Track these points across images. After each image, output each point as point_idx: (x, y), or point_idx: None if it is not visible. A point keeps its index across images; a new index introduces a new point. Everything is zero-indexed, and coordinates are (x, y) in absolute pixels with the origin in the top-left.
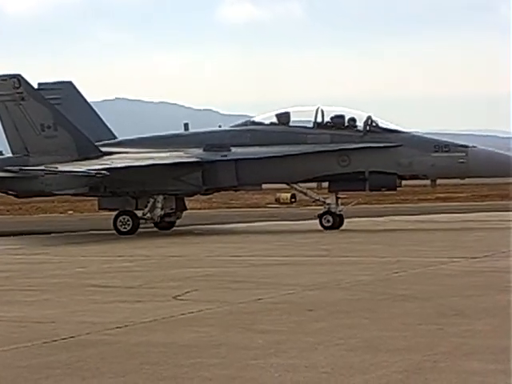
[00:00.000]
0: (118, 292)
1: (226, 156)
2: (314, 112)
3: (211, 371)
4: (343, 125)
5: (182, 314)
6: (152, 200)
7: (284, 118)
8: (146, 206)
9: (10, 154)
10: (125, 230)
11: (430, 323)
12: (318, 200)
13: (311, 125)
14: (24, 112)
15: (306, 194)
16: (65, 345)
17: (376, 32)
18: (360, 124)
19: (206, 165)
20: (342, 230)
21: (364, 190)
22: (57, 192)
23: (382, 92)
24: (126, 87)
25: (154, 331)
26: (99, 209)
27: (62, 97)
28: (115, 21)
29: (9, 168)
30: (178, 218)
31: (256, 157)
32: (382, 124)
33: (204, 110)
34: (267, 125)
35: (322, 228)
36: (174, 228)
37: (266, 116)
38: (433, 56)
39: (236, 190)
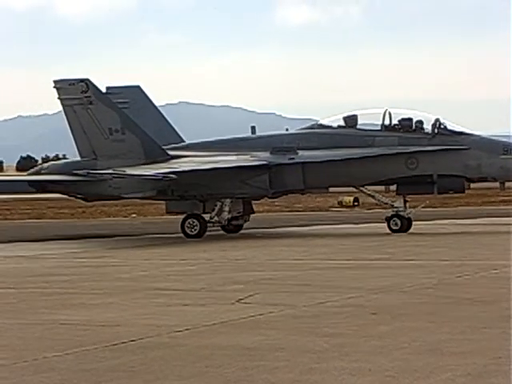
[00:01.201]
0: (180, 295)
1: (293, 159)
2: (382, 115)
3: (275, 374)
4: (411, 127)
5: (245, 317)
6: (219, 203)
7: (351, 120)
8: (213, 210)
9: (78, 158)
10: (192, 233)
11: (494, 327)
12: (386, 203)
13: (379, 127)
14: (92, 116)
15: (373, 197)
16: (128, 348)
17: (438, 34)
18: (428, 126)
19: (273, 168)
20: (405, 234)
21: (432, 193)
22: (125, 196)
23: (444, 94)
24: (188, 91)
25: (217, 334)
26: (167, 212)
27: (130, 101)
28: (168, 23)
29: (77, 171)
30: (245, 222)
31: (323, 160)
32: (450, 126)
33: (267, 113)
34: (334, 128)
35: (389, 231)
36: (241, 231)
37: (333, 119)
38: (495, 57)
39: (303, 194)
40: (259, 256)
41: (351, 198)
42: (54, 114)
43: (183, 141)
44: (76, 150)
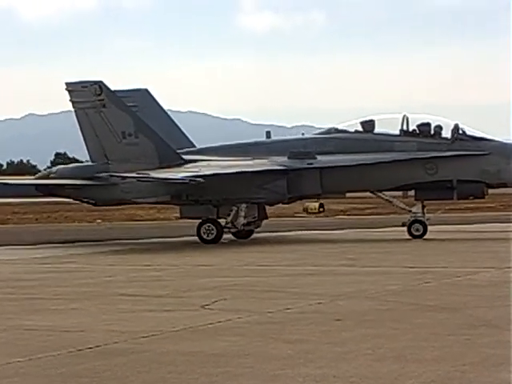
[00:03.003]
0: (145, 301)
1: (311, 164)
2: (400, 120)
3: (239, 381)
4: (429, 132)
5: (210, 324)
6: (235, 208)
7: (369, 125)
8: (228, 215)
9: (88, 162)
10: (209, 238)
11: (458, 334)
12: (404, 209)
13: (397, 132)
14: (105, 119)
15: (391, 202)
16: (93, 353)
17: (404, 39)
18: (447, 132)
19: (290, 173)
20: (371, 240)
21: (452, 199)
22: (137, 200)
23: (415, 99)
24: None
25: (181, 340)
26: (181, 217)
27: (138, 104)
28: (131, 28)
29: (99, 175)
30: (257, 227)
31: (342, 165)
32: (470, 132)
33: (233, 119)
34: (351, 132)
35: (410, 237)
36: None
37: (350, 124)
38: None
39: (319, 199)
40: (225, 262)
41: (316, 205)
42: (21, 117)
43: (193, 145)
44: (87, 153)
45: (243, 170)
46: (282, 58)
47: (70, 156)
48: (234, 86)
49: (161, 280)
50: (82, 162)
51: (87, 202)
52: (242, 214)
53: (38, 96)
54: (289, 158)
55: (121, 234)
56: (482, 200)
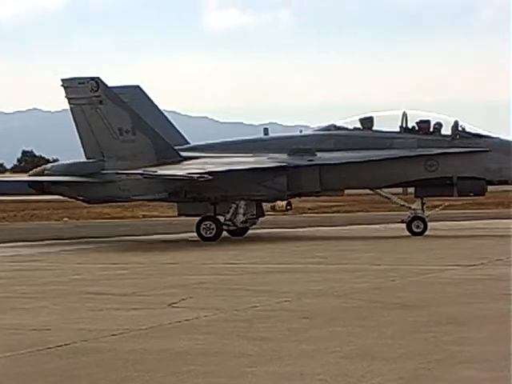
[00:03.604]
0: (113, 299)
1: (312, 161)
2: (400, 116)
3: (206, 379)
4: (429, 129)
5: (178, 322)
6: (234, 206)
7: (368, 122)
8: (227, 212)
9: (81, 159)
10: (208, 235)
11: (425, 331)
12: (403, 205)
13: (397, 129)
14: (101, 116)
15: (389, 199)
16: (60, 352)
17: (371, 36)
18: (447, 129)
19: (290, 170)
20: (339, 238)
21: (452, 196)
22: (134, 197)
23: (381, 98)
24: None
25: (149, 338)
26: (179, 215)
27: (130, 101)
28: (97, 26)
29: (106, 172)
30: (252, 224)
31: (343, 162)
32: (469, 129)
33: (200, 117)
34: (350, 129)
35: (409, 233)
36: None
37: (349, 120)
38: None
39: (318, 196)
40: (192, 260)
41: (284, 203)
42: None
43: (187, 142)
44: (82, 150)
45: (252, 166)
46: (249, 56)
47: (37, 154)
48: (201, 85)
49: (128, 278)
50: (48, 160)
51: (81, 200)
52: (241, 211)
53: (4, 94)
54: (289, 154)
55: (88, 233)
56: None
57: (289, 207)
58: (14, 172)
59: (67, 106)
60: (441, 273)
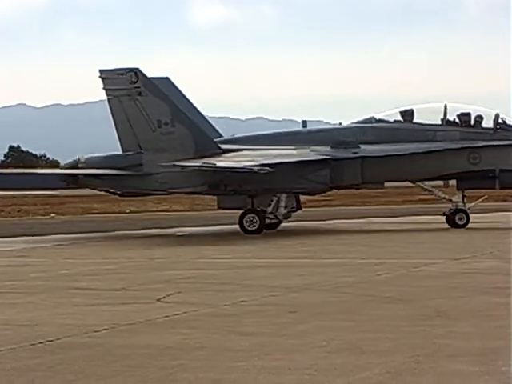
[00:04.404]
0: (101, 294)
1: (356, 153)
2: (442, 109)
3: (195, 373)
4: (470, 122)
5: (166, 317)
6: (275, 198)
7: (408, 115)
8: (269, 205)
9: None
10: (252, 228)
11: (413, 325)
12: (444, 198)
13: (439, 122)
14: (140, 107)
15: (431, 191)
16: (48, 347)
17: (357, 32)
18: (489, 121)
19: (333, 162)
20: (328, 232)
21: (494, 188)
22: (172, 190)
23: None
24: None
25: (137, 333)
26: (218, 208)
27: None
28: (81, 23)
29: (163, 163)
30: (287, 218)
31: (387, 154)
32: (510, 121)
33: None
34: (391, 122)
35: (449, 226)
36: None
37: (390, 113)
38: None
39: (357, 188)
40: (180, 255)
41: None
42: None
43: (220, 135)
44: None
45: (301, 159)
46: (235, 51)
47: (24, 149)
48: (188, 79)
49: (116, 273)
50: (36, 155)
51: (113, 193)
52: (283, 204)
53: None
54: (332, 147)
55: (76, 228)
56: None
57: None
58: (1, 167)
59: (54, 102)
60: (428, 267)
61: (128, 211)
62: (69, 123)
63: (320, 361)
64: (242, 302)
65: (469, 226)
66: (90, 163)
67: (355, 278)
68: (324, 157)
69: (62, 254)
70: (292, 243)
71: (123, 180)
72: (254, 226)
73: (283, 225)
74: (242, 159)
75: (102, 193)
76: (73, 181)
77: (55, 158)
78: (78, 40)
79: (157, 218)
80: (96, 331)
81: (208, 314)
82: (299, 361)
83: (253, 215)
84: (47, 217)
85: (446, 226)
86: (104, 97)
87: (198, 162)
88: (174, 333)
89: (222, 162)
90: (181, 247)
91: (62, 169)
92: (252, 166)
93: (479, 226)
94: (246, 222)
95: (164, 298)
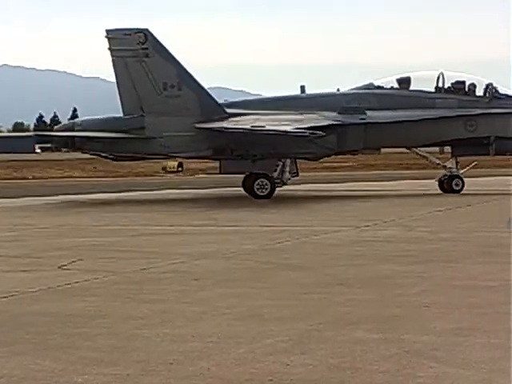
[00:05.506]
0: (2, 261)
1: (363, 119)
2: (438, 77)
3: (97, 341)
4: (464, 90)
5: (68, 284)
6: (280, 163)
7: (405, 82)
8: (274, 170)
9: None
10: (263, 193)
11: (314, 292)
12: (439, 164)
13: (435, 90)
14: (146, 69)
15: (426, 158)
16: None
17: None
18: (483, 90)
19: (339, 128)
20: (231, 198)
21: (488, 155)
22: (174, 154)
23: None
24: (7, 53)
25: (39, 301)
26: (222, 173)
27: None
28: None
29: (212, 126)
30: (284, 184)
31: (394, 120)
32: (502, 90)
33: (92, 77)
34: (387, 89)
35: (442, 191)
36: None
37: (386, 80)
38: None
39: (354, 154)
40: (83, 222)
41: (175, 164)
42: None
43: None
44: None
45: (320, 124)
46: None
47: None
48: (92, 44)
49: (18, 240)
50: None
51: (105, 157)
52: (287, 169)
53: None
54: (339, 112)
55: None
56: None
57: (180, 168)
58: None
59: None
60: (330, 234)
61: (31, 177)
62: None
63: (223, 328)
64: (144, 269)
65: (366, 194)
66: (87, 126)
67: (257, 245)
68: (339, 122)
69: None
70: (194, 210)
71: (124, 143)
72: (266, 191)
73: (191, 191)
74: (249, 123)
75: None
76: (69, 144)
77: None
78: None
79: (63, 185)
80: None
81: (110, 282)
82: (202, 328)
83: (264, 180)
84: None
85: (347, 193)
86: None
87: (238, 125)
88: (76, 300)
89: (274, 126)
90: (81, 214)
91: (56, 131)
92: (302, 129)
93: (374, 194)
94: (257, 186)
95: (66, 265)
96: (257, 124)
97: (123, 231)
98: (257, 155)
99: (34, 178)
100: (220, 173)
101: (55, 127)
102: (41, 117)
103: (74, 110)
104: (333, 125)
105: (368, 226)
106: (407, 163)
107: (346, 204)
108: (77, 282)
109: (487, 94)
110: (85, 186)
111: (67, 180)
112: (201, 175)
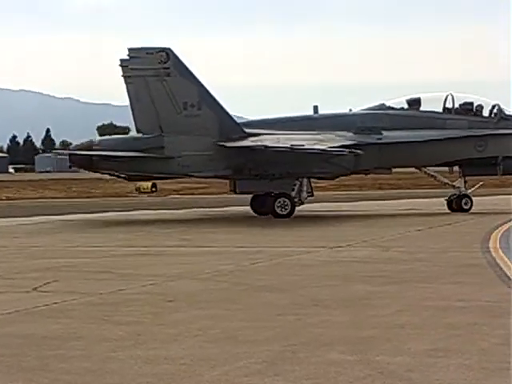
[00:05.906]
0: None
1: (380, 139)
2: (445, 98)
3: (72, 363)
4: (472, 111)
5: (42, 306)
6: (298, 182)
7: (415, 103)
8: (292, 189)
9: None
10: (283, 212)
11: (289, 314)
12: (447, 184)
13: (446, 111)
14: (167, 89)
15: (435, 177)
16: None
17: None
18: (491, 111)
19: (357, 147)
20: (205, 219)
21: (496, 175)
22: (193, 174)
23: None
24: None
25: (14, 323)
26: (235, 192)
27: None
28: None
29: (254, 145)
30: (301, 204)
31: (410, 140)
32: (508, 111)
33: (66, 98)
34: (398, 109)
35: (449, 211)
36: None
37: (397, 101)
38: None
39: (366, 174)
40: (56, 243)
41: (149, 184)
42: None
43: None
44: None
45: (342, 144)
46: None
47: None
48: (67, 64)
49: None
50: None
51: (118, 176)
52: (305, 188)
53: None
54: (355, 133)
55: None
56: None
57: (154, 189)
58: None
59: None
60: (305, 255)
61: (4, 198)
62: None
63: (196, 350)
64: (118, 290)
65: (343, 214)
66: (106, 145)
67: (232, 266)
68: (364, 142)
69: None
70: (168, 231)
71: (143, 163)
72: (286, 210)
73: (166, 212)
74: (286, 142)
75: None
76: (86, 163)
77: None
78: None
79: (37, 206)
80: None
81: (85, 303)
82: (176, 350)
83: (285, 199)
84: None
85: (323, 213)
86: None
87: (279, 143)
88: (51, 322)
89: (314, 145)
90: (54, 235)
91: (72, 150)
92: (342, 147)
93: (351, 214)
94: (278, 205)
95: (41, 286)
96: (283, 143)
97: (97, 252)
98: (275, 174)
99: (7, 198)
100: (234, 193)
101: (71, 146)
102: (14, 137)
103: (48, 131)
104: (353, 144)
105: (343, 245)
106: (389, 183)
107: (320, 225)
108: (52, 304)
109: (494, 115)
110: (59, 206)
111: (41, 201)
112: (174, 195)
